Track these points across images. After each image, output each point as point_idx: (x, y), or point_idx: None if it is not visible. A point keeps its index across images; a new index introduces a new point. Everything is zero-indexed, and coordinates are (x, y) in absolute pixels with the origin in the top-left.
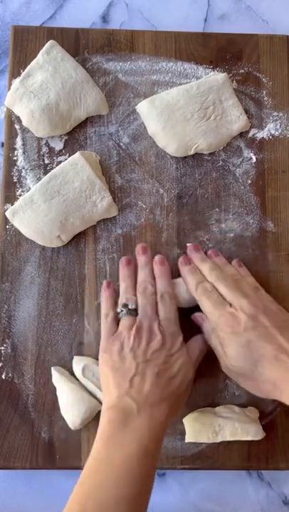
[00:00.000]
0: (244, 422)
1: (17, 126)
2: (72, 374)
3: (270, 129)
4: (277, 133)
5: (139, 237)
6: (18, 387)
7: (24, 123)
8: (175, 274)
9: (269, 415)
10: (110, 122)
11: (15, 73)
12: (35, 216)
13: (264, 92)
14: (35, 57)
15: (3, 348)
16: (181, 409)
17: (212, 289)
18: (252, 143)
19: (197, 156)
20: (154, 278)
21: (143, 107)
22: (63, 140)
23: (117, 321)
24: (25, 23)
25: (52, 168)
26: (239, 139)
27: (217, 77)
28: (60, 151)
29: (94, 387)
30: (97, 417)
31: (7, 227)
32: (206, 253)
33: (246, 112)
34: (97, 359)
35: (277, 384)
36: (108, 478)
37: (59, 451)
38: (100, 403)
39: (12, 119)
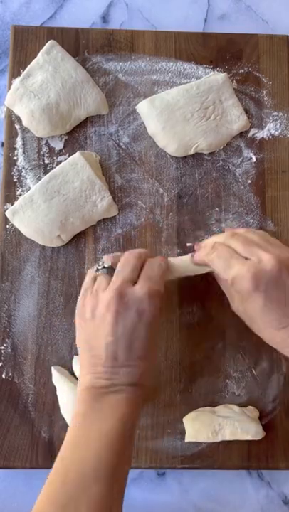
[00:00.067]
0: (244, 422)
1: (17, 126)
2: (72, 374)
3: (270, 129)
4: (277, 133)
5: (139, 237)
6: (18, 387)
7: (24, 123)
8: None
9: (269, 415)
10: (110, 122)
11: (15, 73)
12: (35, 216)
13: (264, 91)
14: (35, 57)
15: (3, 347)
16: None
17: (221, 244)
18: (252, 143)
19: (197, 156)
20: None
21: (143, 107)
22: (63, 140)
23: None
24: (26, 23)
25: (52, 168)
26: (239, 138)
27: (217, 77)
28: (60, 150)
29: None
30: None
31: (7, 226)
32: None
33: (246, 111)
34: None
35: None
36: (88, 451)
37: (59, 450)
38: None
39: (12, 118)
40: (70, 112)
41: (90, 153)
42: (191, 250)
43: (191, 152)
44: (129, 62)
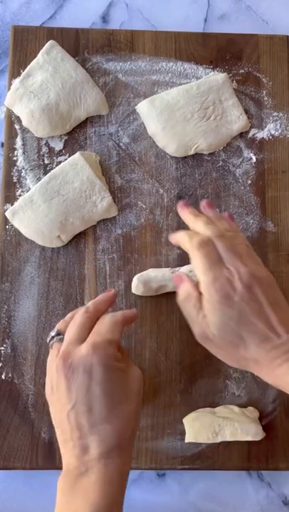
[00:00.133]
0: (244, 423)
1: (17, 126)
2: None
3: (270, 129)
4: (277, 133)
5: (139, 238)
6: (18, 388)
7: (24, 123)
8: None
9: (269, 415)
10: (110, 122)
11: (15, 73)
12: (35, 216)
13: (264, 92)
14: (35, 57)
15: (3, 348)
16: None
17: (211, 243)
18: (252, 143)
19: (197, 156)
20: None
21: (143, 107)
22: (63, 140)
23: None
24: (25, 23)
25: (52, 169)
26: (239, 139)
27: (217, 77)
28: (60, 151)
29: None
30: None
31: (7, 227)
32: None
33: (246, 112)
34: None
35: (259, 361)
36: None
37: (59, 451)
38: None
39: (12, 119)
40: (70, 112)
41: (89, 154)
42: None
43: (191, 152)
44: (129, 63)
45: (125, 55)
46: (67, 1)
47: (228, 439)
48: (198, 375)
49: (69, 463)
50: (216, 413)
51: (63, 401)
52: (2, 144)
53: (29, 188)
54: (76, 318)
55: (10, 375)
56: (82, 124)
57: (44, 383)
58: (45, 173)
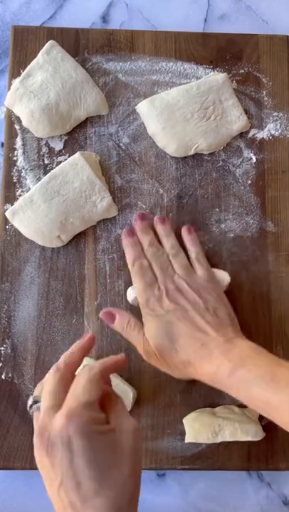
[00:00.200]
0: (244, 423)
1: (17, 127)
2: None
3: (270, 129)
4: (277, 133)
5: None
6: (18, 388)
7: (24, 123)
8: None
9: None
10: (110, 122)
11: (15, 73)
12: (35, 216)
13: (264, 92)
14: (35, 57)
15: (3, 348)
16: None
17: (147, 267)
18: (252, 143)
19: (197, 157)
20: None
21: (143, 107)
22: (63, 140)
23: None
24: (25, 23)
25: (52, 169)
26: (239, 139)
27: (217, 77)
28: (60, 151)
29: None
30: None
31: (7, 227)
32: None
33: (246, 112)
34: (96, 359)
35: (190, 361)
36: None
37: None
38: None
39: (12, 119)
40: (69, 112)
41: (89, 154)
42: None
43: (191, 152)
44: (129, 63)
45: (125, 55)
46: (67, 1)
47: (228, 439)
48: None
49: None
50: (216, 413)
51: (51, 477)
52: (2, 144)
53: (29, 188)
54: (48, 381)
55: (10, 375)
56: (82, 124)
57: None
58: (45, 173)
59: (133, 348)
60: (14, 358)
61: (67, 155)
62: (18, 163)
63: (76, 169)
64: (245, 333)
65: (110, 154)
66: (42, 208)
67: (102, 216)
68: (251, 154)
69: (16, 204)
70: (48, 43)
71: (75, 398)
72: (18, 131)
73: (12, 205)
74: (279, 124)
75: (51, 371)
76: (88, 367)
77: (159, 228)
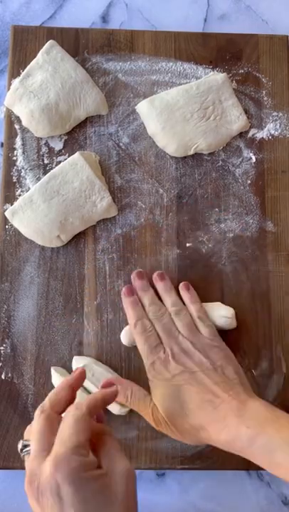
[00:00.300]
0: None
1: (17, 126)
2: None
3: (270, 129)
4: (276, 133)
5: (138, 237)
6: (17, 387)
7: (24, 123)
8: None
9: None
10: (110, 122)
11: (14, 73)
12: (34, 216)
13: (264, 92)
14: (34, 57)
15: (2, 348)
16: None
17: (151, 328)
18: (251, 143)
19: (197, 156)
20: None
21: (143, 107)
22: (63, 140)
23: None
24: (25, 23)
25: (51, 168)
26: (239, 139)
27: (217, 77)
28: (60, 151)
29: (94, 388)
30: None
31: (6, 227)
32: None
33: (246, 112)
34: (96, 359)
35: (203, 426)
36: None
37: None
38: None
39: (12, 119)
40: (69, 112)
41: (89, 154)
42: (189, 249)
43: (191, 152)
44: (128, 63)
45: (125, 55)
46: (67, 1)
47: None
48: None
49: None
50: None
51: None
52: (2, 144)
53: (29, 188)
54: (33, 425)
55: (9, 375)
56: (82, 124)
57: (44, 383)
58: (45, 173)
59: (134, 349)
60: (14, 357)
61: (67, 155)
62: (17, 163)
63: (76, 169)
64: (245, 333)
65: (110, 154)
66: (42, 208)
67: (101, 216)
68: (251, 154)
69: (16, 204)
70: (48, 42)
71: (63, 443)
72: (18, 131)
73: (12, 204)
74: (279, 124)
75: (37, 412)
76: (75, 405)
77: (159, 285)
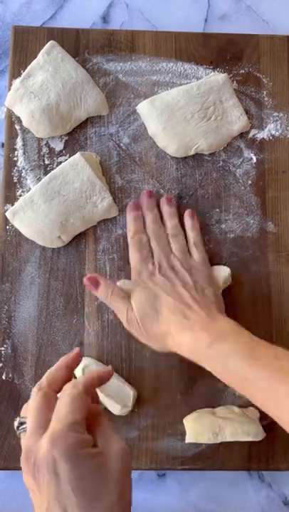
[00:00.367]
0: (244, 423)
1: (17, 127)
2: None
3: (271, 130)
4: (277, 133)
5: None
6: (18, 388)
7: (24, 123)
8: None
9: (269, 416)
10: (110, 123)
11: (15, 73)
12: (35, 216)
13: (264, 92)
14: (35, 57)
15: (3, 348)
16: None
17: (146, 242)
18: (252, 143)
19: (197, 157)
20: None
21: (143, 108)
22: (63, 140)
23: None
24: (26, 24)
25: (52, 169)
26: (239, 139)
27: (217, 77)
28: (61, 151)
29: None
30: None
31: (7, 227)
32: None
33: (247, 112)
34: (97, 359)
35: (171, 331)
36: None
37: None
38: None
39: (12, 119)
40: (70, 112)
41: (90, 154)
42: None
43: (192, 153)
44: (129, 63)
45: (125, 56)
46: (68, 2)
47: (229, 439)
48: (198, 375)
49: None
50: (216, 413)
51: (38, 502)
52: (2, 145)
53: (29, 189)
54: (30, 403)
55: (10, 375)
56: (83, 125)
57: None
58: (46, 173)
59: (133, 349)
60: (15, 358)
61: (68, 155)
62: (18, 164)
63: (76, 169)
64: None
65: (111, 154)
66: (42, 208)
67: (102, 216)
68: (251, 154)
69: (17, 204)
70: (49, 43)
71: (59, 420)
72: (19, 132)
73: (12, 205)
74: (279, 124)
75: (34, 389)
76: (72, 383)
77: (165, 208)
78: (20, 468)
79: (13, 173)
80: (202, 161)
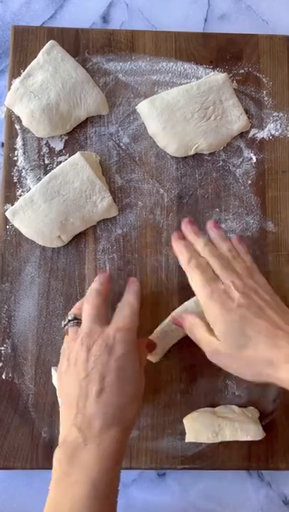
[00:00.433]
0: (244, 423)
1: (17, 127)
2: None
3: (271, 129)
4: (277, 133)
5: (139, 238)
6: (18, 388)
7: (24, 123)
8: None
9: (269, 415)
10: (110, 122)
11: (15, 73)
12: (35, 216)
13: (264, 92)
14: (35, 57)
15: (3, 348)
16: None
17: (206, 264)
18: (252, 143)
19: (197, 156)
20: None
21: (143, 107)
22: (63, 140)
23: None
24: (26, 23)
25: (52, 169)
26: (239, 139)
27: (217, 77)
28: (61, 151)
29: None
30: None
31: (7, 227)
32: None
33: (246, 112)
34: None
35: (272, 361)
36: None
37: None
38: None
39: (12, 119)
40: (70, 112)
41: (90, 154)
42: None
43: (192, 152)
44: (129, 63)
45: (125, 55)
46: (68, 1)
47: (228, 439)
48: (198, 375)
49: (68, 434)
50: (216, 413)
51: (79, 370)
52: (2, 144)
53: (29, 188)
54: (92, 301)
55: (10, 375)
56: (83, 124)
57: (44, 383)
58: (46, 173)
59: None
60: (14, 357)
61: (68, 155)
62: (18, 163)
63: (76, 169)
64: None
65: (110, 154)
66: (42, 208)
67: (102, 216)
68: (251, 154)
69: (17, 204)
70: (49, 43)
71: (124, 321)
72: (19, 131)
73: (12, 205)
74: (279, 124)
75: (93, 293)
76: (127, 302)
77: (215, 232)
78: (20, 468)
79: (13, 173)
80: (202, 160)
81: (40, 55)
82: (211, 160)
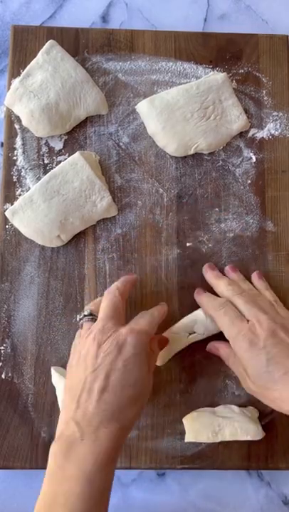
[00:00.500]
0: (244, 422)
1: (17, 126)
2: None
3: (270, 129)
4: (277, 133)
5: (138, 237)
6: (17, 387)
7: (24, 123)
8: (176, 282)
9: (269, 415)
10: (110, 122)
11: (15, 73)
12: (34, 216)
13: (264, 91)
14: (35, 57)
15: (2, 347)
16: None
17: (229, 304)
18: (252, 143)
19: (197, 156)
20: None
21: (143, 107)
22: (63, 140)
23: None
24: (25, 23)
25: (51, 168)
26: (239, 138)
27: (217, 76)
28: (60, 150)
29: None
30: None
31: (7, 226)
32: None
33: (246, 111)
34: None
35: None
36: None
37: None
38: None
39: (12, 118)
40: (69, 111)
41: (89, 153)
42: (189, 249)
43: (191, 152)
44: (128, 62)
45: (125, 55)
46: (67, 1)
47: (228, 438)
48: (198, 375)
49: (66, 428)
50: (215, 413)
51: (87, 364)
52: (2, 144)
53: (29, 188)
54: (111, 298)
55: (10, 374)
56: (82, 124)
57: (44, 383)
58: (45, 172)
59: None
60: (14, 357)
61: (67, 154)
62: (17, 163)
63: (76, 169)
64: None
65: (110, 154)
66: (42, 208)
67: (101, 216)
68: (251, 154)
69: (16, 204)
70: (48, 42)
71: (139, 324)
72: (18, 131)
73: (12, 204)
74: (279, 124)
75: (112, 292)
76: (149, 310)
77: (233, 276)
78: (19, 468)
79: (12, 173)
80: (201, 160)
81: (39, 54)
82: (210, 159)
